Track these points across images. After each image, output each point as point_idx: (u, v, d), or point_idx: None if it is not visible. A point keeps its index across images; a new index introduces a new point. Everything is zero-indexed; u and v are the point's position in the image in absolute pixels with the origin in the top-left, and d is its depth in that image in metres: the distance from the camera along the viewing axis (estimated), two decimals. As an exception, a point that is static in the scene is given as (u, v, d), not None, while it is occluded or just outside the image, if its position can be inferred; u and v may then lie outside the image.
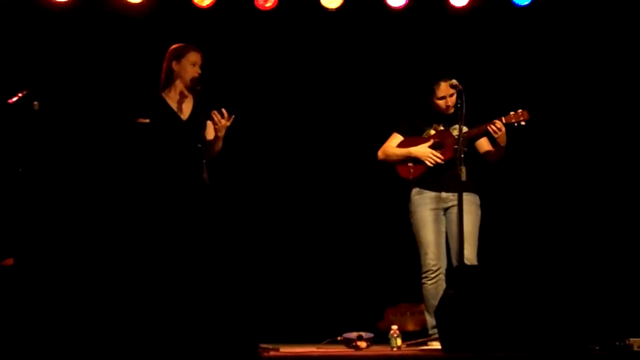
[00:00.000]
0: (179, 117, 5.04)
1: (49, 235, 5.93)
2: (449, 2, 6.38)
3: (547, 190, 6.51)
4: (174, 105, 5.05)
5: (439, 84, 5.32)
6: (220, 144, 5.02)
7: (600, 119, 6.48)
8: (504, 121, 5.19)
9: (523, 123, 5.21)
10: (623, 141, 6.48)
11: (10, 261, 5.08)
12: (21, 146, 5.51)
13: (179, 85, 5.06)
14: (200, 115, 4.97)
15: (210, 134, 5.02)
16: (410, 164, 5.38)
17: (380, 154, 5.49)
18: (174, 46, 5.08)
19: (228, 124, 4.93)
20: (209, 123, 5.00)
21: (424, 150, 5.32)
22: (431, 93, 5.34)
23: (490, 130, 5.18)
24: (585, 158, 6.48)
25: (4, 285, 3.97)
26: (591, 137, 6.49)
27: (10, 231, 5.50)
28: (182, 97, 5.06)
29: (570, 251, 6.22)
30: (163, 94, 5.07)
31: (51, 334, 3.88)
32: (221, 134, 4.95)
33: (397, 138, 5.46)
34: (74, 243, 5.95)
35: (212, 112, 4.92)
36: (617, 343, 4.76)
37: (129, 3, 6.22)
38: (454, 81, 5.19)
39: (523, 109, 5.21)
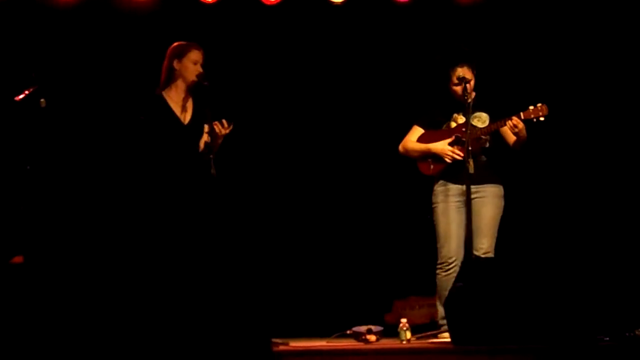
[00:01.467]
0: (179, 120, 5.01)
1: (57, 232, 5.94)
2: (455, -5, 6.37)
3: (554, 185, 6.49)
4: (173, 105, 5.02)
5: (455, 69, 5.26)
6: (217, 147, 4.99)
7: (623, 113, 6.42)
8: (522, 117, 5.10)
9: (542, 119, 5.11)
10: (628, 134, 6.43)
11: (19, 259, 5.10)
12: (28, 144, 5.52)
13: (180, 84, 5.02)
14: (201, 119, 4.96)
15: (204, 137, 4.99)
16: (430, 160, 5.35)
17: (400, 148, 5.46)
18: (175, 44, 5.05)
19: (227, 132, 4.90)
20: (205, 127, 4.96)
21: (442, 147, 5.27)
22: (448, 79, 5.30)
23: (509, 127, 5.11)
24: (602, 152, 6.44)
25: (14, 282, 3.98)
26: (600, 130, 6.45)
27: (18, 229, 5.52)
28: (182, 97, 5.03)
29: (579, 243, 6.20)
30: (163, 93, 5.04)
31: (62, 331, 3.89)
32: (220, 141, 4.91)
33: (417, 131, 5.43)
34: (82, 241, 5.96)
35: (214, 124, 4.87)
36: (627, 334, 4.76)
37: (134, 0, 6.22)
38: (466, 69, 5.15)
39: (542, 103, 5.11)
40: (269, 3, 6.34)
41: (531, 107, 5.14)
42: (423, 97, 5.70)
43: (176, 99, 5.03)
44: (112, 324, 3.90)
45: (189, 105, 5.06)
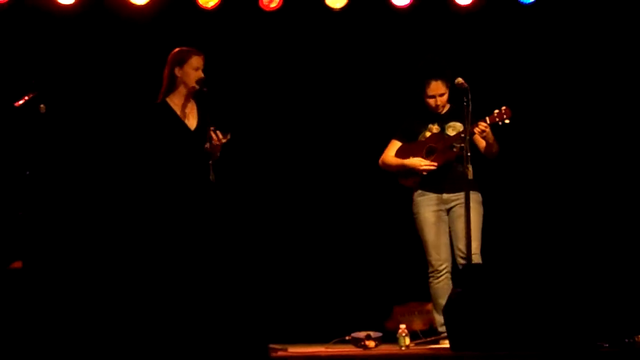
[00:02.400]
0: (186, 126, 5.02)
1: (57, 238, 5.94)
2: (454, 1, 6.37)
3: (554, 188, 6.49)
4: (178, 111, 5.03)
5: (430, 82, 5.36)
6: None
7: (605, 116, 6.46)
8: (488, 121, 5.20)
9: (507, 121, 5.20)
10: (629, 136, 6.45)
11: (18, 264, 5.10)
12: (28, 149, 5.52)
13: (182, 90, 5.03)
14: (205, 124, 4.96)
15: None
16: (407, 174, 5.45)
17: (380, 162, 5.59)
18: (175, 51, 5.05)
19: (224, 141, 4.91)
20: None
21: (416, 162, 5.38)
22: (422, 90, 5.39)
23: (477, 132, 5.19)
24: (590, 155, 6.46)
25: (13, 288, 3.97)
26: (597, 133, 6.46)
27: (17, 234, 5.51)
28: (186, 103, 5.04)
29: (577, 248, 6.20)
30: (167, 100, 5.04)
31: (60, 336, 3.89)
32: (218, 149, 4.91)
33: (395, 145, 5.53)
34: (81, 246, 5.96)
35: (210, 131, 4.87)
36: (626, 340, 4.76)
37: (134, 5, 6.23)
38: (460, 79, 5.18)
39: (506, 107, 5.21)
40: (268, 9, 6.34)
41: (496, 111, 5.23)
42: (403, 106, 5.74)
43: (180, 106, 5.04)
44: (112, 329, 3.90)
45: (193, 111, 5.07)
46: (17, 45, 6.22)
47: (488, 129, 5.20)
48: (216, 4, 6.26)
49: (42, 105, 5.14)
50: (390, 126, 5.62)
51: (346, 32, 6.55)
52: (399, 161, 5.47)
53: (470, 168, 5.07)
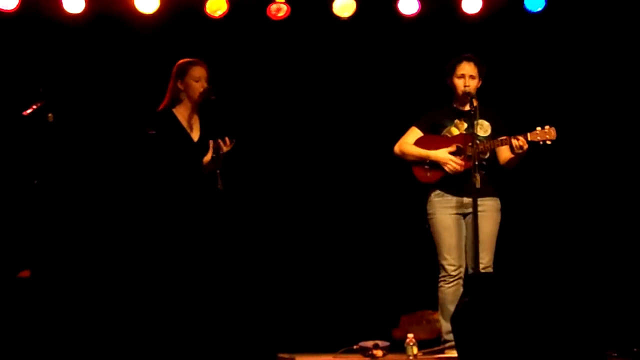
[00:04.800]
0: (190, 137, 5.06)
1: (65, 247, 5.94)
2: (462, 10, 6.36)
3: (566, 198, 6.46)
4: (184, 122, 5.07)
5: (461, 62, 5.25)
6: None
7: (622, 126, 6.41)
8: (528, 138, 5.02)
9: (549, 142, 5.02)
10: None
11: (26, 273, 5.10)
12: (36, 158, 5.53)
13: (187, 102, 5.09)
14: (208, 136, 5.02)
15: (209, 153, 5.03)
16: (427, 167, 5.28)
17: (396, 148, 5.38)
18: (178, 64, 5.10)
19: (228, 149, 4.96)
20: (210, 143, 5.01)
21: (444, 156, 5.19)
22: (452, 72, 5.27)
23: (514, 146, 5.03)
24: (604, 164, 6.42)
25: (21, 296, 3.98)
26: (614, 145, 6.43)
27: (26, 243, 5.52)
28: (192, 114, 5.09)
29: (587, 258, 6.18)
30: (174, 110, 5.09)
31: (68, 345, 3.89)
32: (222, 157, 4.95)
33: (415, 133, 5.35)
34: (89, 254, 5.96)
35: (219, 141, 4.92)
36: (635, 349, 4.74)
37: (142, 15, 6.24)
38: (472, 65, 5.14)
39: (550, 126, 5.02)
40: (276, 19, 6.35)
41: (538, 129, 5.05)
42: (425, 104, 5.67)
43: (186, 117, 5.09)
44: (120, 337, 3.90)
45: (197, 122, 5.11)
46: (25, 54, 6.23)
47: (526, 146, 5.00)
48: (224, 13, 6.27)
49: (50, 114, 5.16)
50: (396, 132, 5.57)
51: (354, 42, 6.55)
52: (422, 151, 5.25)
53: (479, 177, 5.00)
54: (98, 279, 4.06)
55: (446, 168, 5.19)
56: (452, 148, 5.21)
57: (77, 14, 6.22)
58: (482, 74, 5.27)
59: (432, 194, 5.29)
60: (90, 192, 6.26)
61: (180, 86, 5.06)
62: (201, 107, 5.09)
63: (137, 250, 5.44)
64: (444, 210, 5.25)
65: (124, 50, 6.39)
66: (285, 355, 5.00)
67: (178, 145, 5.03)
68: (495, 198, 5.25)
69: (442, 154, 5.20)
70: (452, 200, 5.24)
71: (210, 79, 5.09)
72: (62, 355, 3.87)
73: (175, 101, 5.10)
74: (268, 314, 4.14)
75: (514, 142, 5.04)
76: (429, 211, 5.31)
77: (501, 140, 5.13)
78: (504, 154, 5.24)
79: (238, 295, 4.09)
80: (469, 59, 5.26)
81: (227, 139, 4.95)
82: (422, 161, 5.28)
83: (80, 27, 6.29)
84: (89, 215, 6.19)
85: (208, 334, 3.94)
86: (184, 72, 5.06)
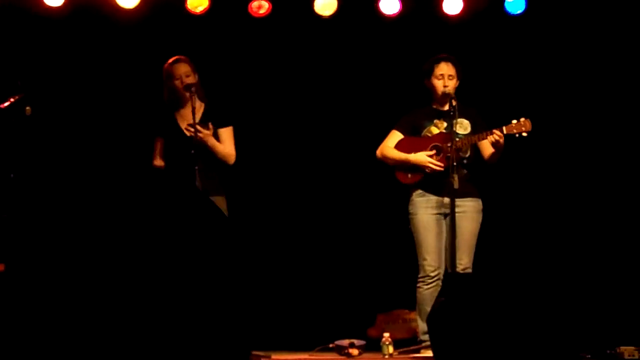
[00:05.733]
0: (184, 134, 5.15)
1: (41, 241, 5.90)
2: (443, 11, 6.38)
3: (542, 199, 6.50)
4: (183, 124, 5.19)
5: (439, 62, 5.28)
6: (219, 148, 5.14)
7: (599, 125, 6.45)
8: (504, 131, 5.07)
9: (525, 134, 5.07)
10: (622, 148, 6.46)
11: (0, 267, 5.06)
12: (13, 152, 5.49)
13: (182, 101, 5.20)
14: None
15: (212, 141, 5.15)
16: (407, 169, 5.30)
17: (378, 153, 5.41)
18: (163, 68, 5.22)
19: (208, 132, 5.09)
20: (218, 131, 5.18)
21: (423, 159, 5.22)
22: (430, 73, 5.30)
23: (492, 140, 5.08)
24: (581, 166, 6.46)
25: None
26: (589, 144, 6.47)
27: (1, 237, 5.48)
28: (190, 111, 5.15)
29: (562, 260, 6.21)
30: (176, 113, 5.24)
31: (42, 340, 3.86)
32: (208, 142, 5.09)
33: (396, 136, 5.37)
34: (66, 249, 5.92)
35: (196, 125, 5.05)
36: (608, 351, 4.77)
37: (122, 9, 6.21)
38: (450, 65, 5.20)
39: (526, 118, 5.08)
40: (257, 16, 6.34)
41: (514, 122, 5.10)
42: (405, 103, 5.69)
43: (183, 116, 5.20)
44: (93, 332, 3.88)
45: (199, 110, 5.19)
46: (3, 46, 6.19)
47: (502, 140, 5.07)
48: (205, 9, 6.25)
49: (27, 108, 5.12)
50: (377, 131, 5.58)
51: (335, 40, 6.55)
52: (402, 155, 5.29)
53: (456, 177, 5.01)
54: (74, 274, 4.04)
55: (427, 170, 5.23)
56: (431, 152, 5.24)
57: (57, 7, 6.19)
58: (460, 74, 5.30)
59: (414, 194, 5.31)
60: (68, 187, 6.21)
61: (171, 87, 5.19)
62: (200, 98, 5.21)
63: (114, 244, 5.41)
64: (425, 210, 5.26)
65: (104, 44, 6.36)
66: (262, 353, 5.00)
67: (168, 140, 5.18)
68: (476, 199, 5.27)
69: (421, 157, 5.23)
70: (433, 199, 5.26)
71: (198, 68, 5.22)
72: (36, 350, 3.85)
73: (173, 102, 5.22)
74: (243, 311, 4.13)
75: (490, 136, 5.08)
76: (411, 211, 5.32)
77: (478, 135, 5.16)
78: (487, 149, 5.26)
79: (213, 292, 4.08)
80: (446, 59, 5.29)
81: (210, 124, 5.09)
82: (402, 165, 5.31)
83: (60, 20, 6.26)
84: (66, 209, 6.15)
85: (182, 330, 3.92)
86: (168, 75, 5.19)
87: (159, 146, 5.23)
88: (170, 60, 5.20)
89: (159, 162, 5.22)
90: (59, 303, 3.95)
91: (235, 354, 3.98)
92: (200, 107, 5.22)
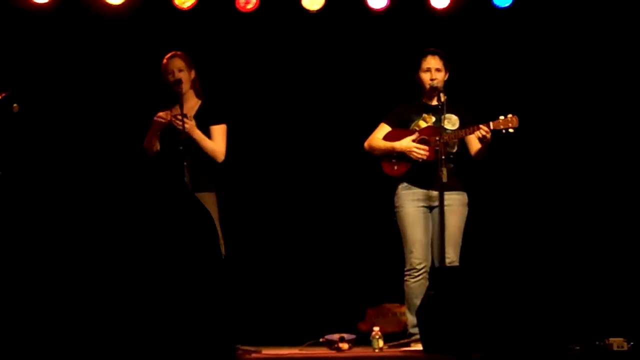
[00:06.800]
0: (173, 130, 5.16)
1: (28, 239, 5.88)
2: (430, 4, 6.38)
3: (529, 191, 6.52)
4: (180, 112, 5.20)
5: (426, 56, 5.29)
6: (206, 143, 5.15)
7: (585, 120, 6.47)
8: (491, 127, 5.08)
9: (512, 130, 5.08)
10: (608, 143, 6.48)
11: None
12: (0, 149, 5.47)
13: (174, 95, 5.21)
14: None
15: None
16: (394, 160, 5.30)
17: (366, 145, 5.42)
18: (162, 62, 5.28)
19: (193, 123, 5.13)
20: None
21: (407, 145, 5.22)
22: (417, 67, 5.31)
23: (479, 136, 5.09)
24: (568, 160, 6.48)
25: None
26: (581, 139, 6.48)
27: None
28: (189, 107, 5.22)
29: (550, 252, 6.24)
30: (172, 109, 5.23)
31: (26, 340, 3.86)
32: (194, 134, 5.12)
33: (384, 128, 5.38)
34: (53, 248, 5.91)
35: (177, 115, 5.10)
36: (597, 343, 4.79)
37: (109, 5, 6.19)
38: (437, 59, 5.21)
39: (513, 115, 5.10)
40: (245, 11, 6.32)
41: (501, 118, 5.12)
42: (394, 97, 5.69)
43: (176, 107, 5.21)
44: (81, 327, 3.88)
45: (194, 107, 5.24)
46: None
47: (489, 135, 5.08)
48: (192, 4, 6.24)
49: (15, 105, 5.10)
50: (364, 125, 5.59)
51: (323, 35, 6.55)
52: (387, 144, 5.28)
53: (445, 170, 5.03)
54: (61, 272, 4.03)
55: (412, 156, 5.23)
56: (415, 136, 5.23)
57: (43, 3, 6.16)
58: (447, 67, 5.31)
59: (400, 187, 5.32)
60: (55, 185, 6.19)
61: (165, 83, 5.23)
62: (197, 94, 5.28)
63: (101, 242, 5.40)
64: (411, 203, 5.26)
65: (91, 41, 6.34)
66: (251, 348, 5.00)
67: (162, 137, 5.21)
68: (462, 192, 5.28)
69: (406, 143, 5.24)
70: (419, 192, 5.26)
71: (192, 61, 5.29)
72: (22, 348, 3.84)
73: (172, 99, 5.22)
74: (232, 306, 4.13)
75: (477, 132, 5.08)
76: (396, 204, 5.32)
77: (466, 130, 5.18)
78: (474, 145, 5.27)
79: (201, 286, 4.08)
80: (433, 53, 5.30)
81: (179, 116, 5.10)
82: (389, 154, 5.31)
83: (47, 16, 6.24)
84: (53, 208, 6.13)
85: (168, 325, 3.92)
86: (163, 70, 5.23)
87: (156, 127, 5.19)
88: (167, 56, 5.24)
89: (150, 143, 5.19)
90: (45, 300, 3.94)
91: (220, 350, 3.97)
92: (196, 104, 5.24)
